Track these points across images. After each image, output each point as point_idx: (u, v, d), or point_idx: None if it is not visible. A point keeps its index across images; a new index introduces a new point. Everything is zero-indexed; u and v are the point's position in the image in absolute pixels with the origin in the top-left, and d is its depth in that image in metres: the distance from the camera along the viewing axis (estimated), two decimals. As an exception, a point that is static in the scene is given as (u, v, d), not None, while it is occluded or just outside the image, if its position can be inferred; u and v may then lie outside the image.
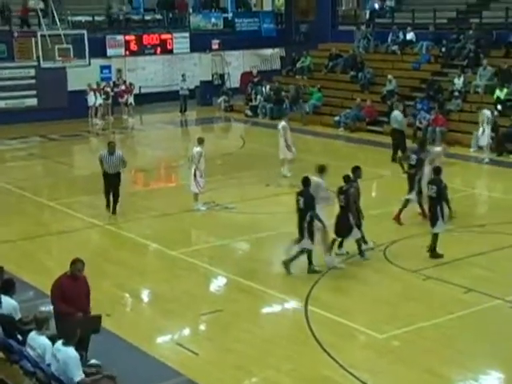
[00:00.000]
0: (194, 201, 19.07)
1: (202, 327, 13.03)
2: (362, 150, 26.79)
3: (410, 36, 32.71)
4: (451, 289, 13.83)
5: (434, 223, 15.07)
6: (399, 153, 23.26)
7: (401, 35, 32.96)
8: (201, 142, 19.17)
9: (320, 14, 37.04)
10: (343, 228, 15.11)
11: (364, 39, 33.84)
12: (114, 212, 18.58)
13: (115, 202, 18.59)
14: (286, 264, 14.63)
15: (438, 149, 19.17)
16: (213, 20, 38.16)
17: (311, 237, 14.45)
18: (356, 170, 15.75)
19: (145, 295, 14.73)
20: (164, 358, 11.41)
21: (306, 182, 14.84)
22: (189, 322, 12.95)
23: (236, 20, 38.63)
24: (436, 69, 30.72)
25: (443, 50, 30.96)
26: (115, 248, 16.74)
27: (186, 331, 12.84)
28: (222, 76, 37.79)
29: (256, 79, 35.76)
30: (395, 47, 32.84)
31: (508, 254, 15.56)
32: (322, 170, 15.54)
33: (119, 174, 18.56)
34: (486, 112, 24.86)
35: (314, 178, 15.14)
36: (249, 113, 33.87)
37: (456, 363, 11.24)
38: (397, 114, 24.85)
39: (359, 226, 15.17)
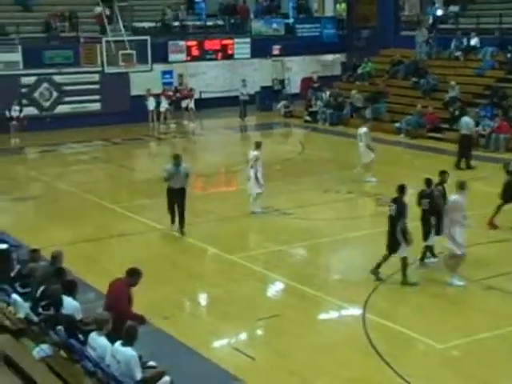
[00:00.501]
0: (252, 202, 19.17)
1: (259, 332, 13.08)
2: (422, 156, 26.53)
3: (474, 42, 32.27)
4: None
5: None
6: (463, 160, 23.12)
7: (464, 41, 32.54)
8: (258, 146, 19.27)
9: (382, 19, 36.76)
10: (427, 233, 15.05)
11: (426, 44, 33.49)
12: (182, 232, 17.50)
13: (182, 221, 17.51)
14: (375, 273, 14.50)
15: None
16: (274, 25, 38.26)
17: (407, 243, 14.19)
18: (442, 174, 15.70)
19: (202, 299, 14.87)
20: (221, 362, 11.47)
21: (401, 189, 14.65)
22: (246, 326, 13.00)
23: (297, 25, 38.68)
24: (500, 75, 30.25)
25: (508, 55, 30.47)
26: (175, 251, 16.90)
27: (243, 335, 12.89)
28: (282, 81, 37.84)
29: (316, 85, 35.73)
30: (459, 53, 32.42)
31: None
32: (463, 186, 14.38)
33: (185, 190, 17.54)
34: None
35: (453, 196, 14.39)
36: (308, 118, 33.84)
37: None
38: (468, 119, 24.73)
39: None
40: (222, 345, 12.53)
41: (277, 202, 20.19)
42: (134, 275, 10.68)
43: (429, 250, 15.29)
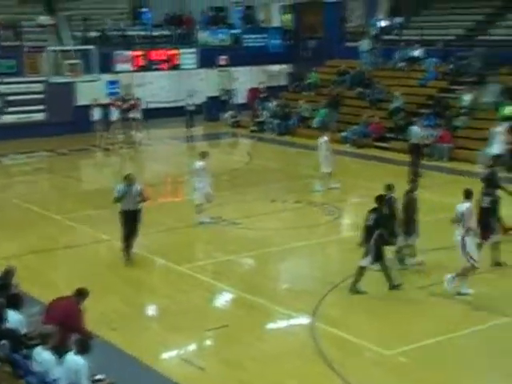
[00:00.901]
0: (196, 213, 19.09)
1: (208, 342, 13.00)
2: (369, 166, 26.77)
3: (417, 53, 32.75)
4: (458, 306, 13.75)
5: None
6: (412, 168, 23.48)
7: (408, 52, 33.00)
8: (204, 156, 19.23)
9: (328, 30, 37.10)
10: None
11: (371, 55, 33.88)
12: (128, 255, 16.38)
13: (130, 244, 16.43)
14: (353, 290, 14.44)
15: None
16: (220, 36, 38.29)
17: (375, 256, 14.23)
18: (413, 182, 16.14)
19: (151, 310, 14.75)
20: (169, 373, 11.36)
21: (380, 199, 14.63)
22: (195, 337, 12.91)
23: (243, 36, 38.74)
24: (443, 85, 30.74)
25: (451, 66, 31.01)
26: (123, 262, 16.72)
27: (192, 346, 12.80)
28: (229, 92, 37.83)
29: (263, 95, 35.86)
30: (403, 64, 32.88)
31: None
32: (469, 195, 14.31)
33: (139, 212, 16.43)
34: (498, 128, 24.85)
35: (461, 205, 14.18)
36: (255, 128, 33.91)
37: (465, 381, 11.19)
38: (416, 128, 25.20)
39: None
40: (170, 356, 12.42)
41: (225, 211, 20.16)
42: (82, 295, 10.63)
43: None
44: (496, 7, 34.45)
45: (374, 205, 14.53)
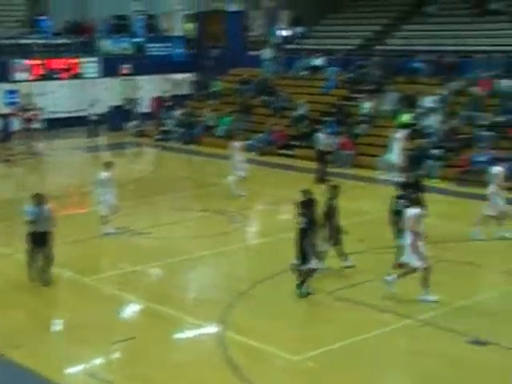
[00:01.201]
0: (102, 224, 18.83)
1: (116, 355, 12.73)
2: (274, 173, 26.96)
3: (318, 62, 33.26)
4: (364, 309, 13.92)
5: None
6: (319, 175, 23.83)
7: (310, 61, 33.48)
8: (109, 166, 18.98)
9: (230, 39, 37.24)
10: None
11: (273, 63, 34.24)
12: (46, 282, 15.25)
13: (48, 268, 15.29)
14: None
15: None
16: (123, 44, 37.88)
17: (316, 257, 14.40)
18: (332, 188, 16.04)
19: (56, 324, 14.37)
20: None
21: (310, 203, 14.68)
22: (102, 350, 12.64)
23: (147, 45, 38.44)
24: (344, 94, 31.30)
25: (351, 75, 31.63)
26: (26, 277, 16.26)
27: (99, 360, 12.51)
28: (132, 101, 37.48)
29: (167, 104, 35.70)
30: (304, 72, 33.32)
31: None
32: (418, 202, 14.74)
33: (50, 234, 15.23)
34: (397, 134, 25.47)
35: (413, 210, 14.32)
36: (160, 137, 33.72)
37: (369, 382, 11.32)
38: (321, 135, 25.78)
39: None
40: (77, 371, 12.09)
41: (131, 222, 19.93)
42: None
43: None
44: (392, 18, 35.43)
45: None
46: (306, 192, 15.63)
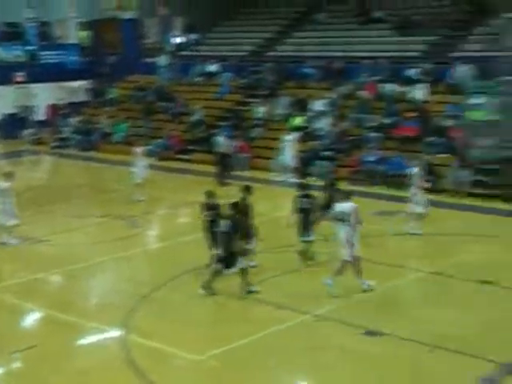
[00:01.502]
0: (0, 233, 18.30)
1: (15, 365, 12.34)
2: (172, 177, 26.82)
3: (213, 68, 33.37)
4: (264, 307, 13.97)
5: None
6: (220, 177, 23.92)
7: (205, 67, 33.54)
8: (9, 176, 18.46)
9: (126, 46, 36.90)
10: None
11: (168, 70, 34.16)
12: None
13: None
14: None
15: None
16: (15, 52, 36.91)
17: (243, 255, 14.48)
18: (246, 189, 16.00)
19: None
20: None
21: (234, 206, 14.76)
22: (2, 361, 12.28)
23: (40, 52, 37.56)
24: (239, 99, 31.47)
25: (244, 81, 31.84)
26: None
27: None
28: (28, 108, 36.57)
29: (64, 111, 35.06)
30: (199, 78, 33.36)
31: (316, 270, 15.83)
32: (348, 195, 14.91)
33: None
34: (289, 137, 25.82)
35: (342, 205, 14.56)
36: (56, 145, 33.08)
37: (272, 381, 11.39)
38: (220, 139, 26.29)
39: None
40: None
41: (30, 230, 19.47)
42: None
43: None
44: (283, 25, 35.85)
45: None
46: (209, 194, 15.69)
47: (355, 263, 14.38)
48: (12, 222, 18.31)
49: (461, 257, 16.68)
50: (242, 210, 15.50)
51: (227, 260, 14.32)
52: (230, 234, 14.35)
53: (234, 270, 14.44)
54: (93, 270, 16.83)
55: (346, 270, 14.49)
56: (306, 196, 16.30)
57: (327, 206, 16.55)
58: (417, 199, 18.29)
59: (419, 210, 18.15)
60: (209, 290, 14.48)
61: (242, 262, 14.38)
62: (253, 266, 15.62)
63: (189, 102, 31.90)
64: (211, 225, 15.38)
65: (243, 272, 14.39)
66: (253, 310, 14.01)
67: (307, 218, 16.07)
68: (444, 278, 15.34)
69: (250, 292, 14.46)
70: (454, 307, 13.92)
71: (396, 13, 32.17)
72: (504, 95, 16.90)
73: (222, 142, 26.31)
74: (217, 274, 14.48)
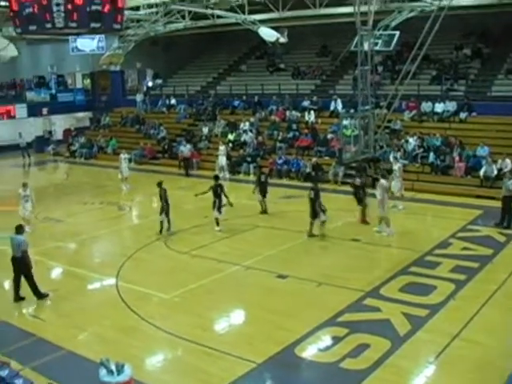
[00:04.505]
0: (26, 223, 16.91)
1: (46, 303, 12.07)
2: (148, 176, 26.45)
3: (173, 101, 33.07)
4: (209, 262, 14.00)
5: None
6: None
7: (167, 101, 33.23)
8: (25, 185, 17.20)
9: (113, 88, 36.38)
10: None
11: (143, 104, 33.85)
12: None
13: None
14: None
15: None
16: (42, 95, 36.12)
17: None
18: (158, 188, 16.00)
19: None
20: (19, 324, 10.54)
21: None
22: (34, 299, 12.02)
23: (58, 94, 36.75)
24: (191, 122, 31.27)
25: (194, 110, 31.67)
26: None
27: (33, 304, 11.89)
28: (50, 132, 36.07)
29: (74, 133, 34.47)
30: (164, 108, 33.06)
31: (242, 237, 16.01)
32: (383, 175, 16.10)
33: None
34: (221, 147, 25.69)
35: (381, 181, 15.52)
36: (68, 155, 32.44)
37: (216, 308, 11.47)
38: (183, 147, 26.66)
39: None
40: (19, 312, 11.49)
41: (52, 213, 19.04)
42: None
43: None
44: (220, 73, 35.72)
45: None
46: (159, 183, 15.88)
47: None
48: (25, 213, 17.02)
49: (337, 223, 16.56)
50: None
51: None
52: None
53: None
54: (95, 240, 16.61)
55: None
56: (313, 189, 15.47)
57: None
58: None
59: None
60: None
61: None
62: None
63: (157, 124, 31.47)
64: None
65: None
66: (202, 264, 13.88)
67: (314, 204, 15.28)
68: (328, 238, 15.45)
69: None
70: (330, 256, 14.22)
71: (293, 65, 32.32)
72: (361, 119, 17.35)
73: (183, 149, 26.43)
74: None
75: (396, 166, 19.05)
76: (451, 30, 25.57)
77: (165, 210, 15.95)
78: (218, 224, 16.20)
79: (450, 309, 10.97)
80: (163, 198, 15.92)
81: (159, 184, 16.16)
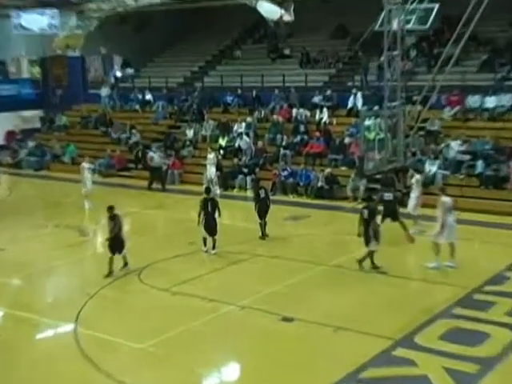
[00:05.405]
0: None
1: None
2: (115, 192, 26.54)
3: (148, 97, 33.31)
4: (194, 300, 13.97)
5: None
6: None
7: (140, 96, 33.46)
8: None
9: (72, 79, 36.64)
10: None
11: (110, 100, 34.04)
12: None
13: None
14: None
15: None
16: (-31, 86, 36.19)
17: None
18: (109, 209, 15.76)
19: None
20: None
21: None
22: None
23: (-3, 86, 36.95)
24: (171, 123, 31.46)
25: (175, 108, 31.87)
26: None
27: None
28: (-14, 135, 36.00)
29: (19, 137, 34.62)
30: (137, 106, 33.28)
31: (237, 268, 16.12)
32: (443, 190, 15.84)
33: None
34: (211, 155, 25.84)
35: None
36: (13, 165, 32.53)
37: (205, 361, 11.32)
38: (153, 154, 26.94)
39: None
40: None
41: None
42: None
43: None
44: (207, 61, 36.04)
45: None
46: (110, 208, 15.85)
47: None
48: None
49: (355, 253, 16.45)
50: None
51: None
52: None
53: None
54: (47, 274, 16.56)
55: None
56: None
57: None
58: None
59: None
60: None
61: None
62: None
63: (128, 126, 31.66)
64: None
65: None
66: (186, 304, 13.89)
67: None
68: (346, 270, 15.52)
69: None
70: (350, 293, 14.23)
71: (301, 50, 32.56)
72: (387, 118, 17.47)
73: (154, 157, 26.76)
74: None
75: (413, 179, 19.07)
76: (506, 2, 25.80)
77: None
78: (205, 244, 16.36)
79: (509, 365, 10.91)
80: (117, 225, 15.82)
81: (110, 208, 16.01)
